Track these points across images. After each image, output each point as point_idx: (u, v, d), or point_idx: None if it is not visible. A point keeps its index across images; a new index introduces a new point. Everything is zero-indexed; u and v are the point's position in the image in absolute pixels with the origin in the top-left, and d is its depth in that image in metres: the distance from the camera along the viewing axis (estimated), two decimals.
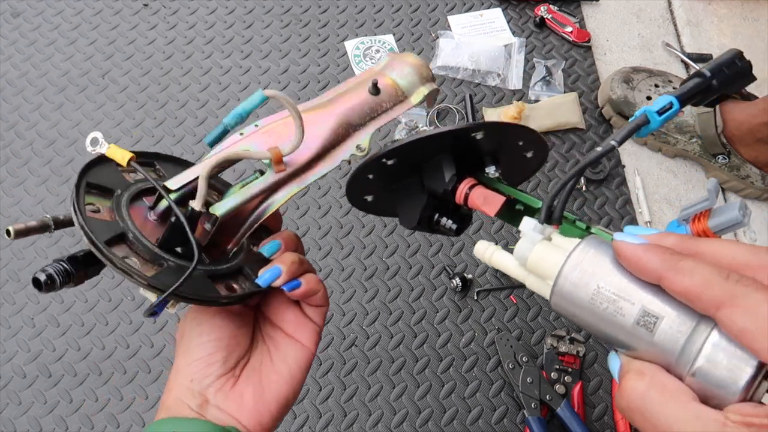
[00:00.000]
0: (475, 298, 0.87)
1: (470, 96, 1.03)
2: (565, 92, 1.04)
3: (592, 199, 0.96)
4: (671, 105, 0.41)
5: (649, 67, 1.03)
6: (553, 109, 1.00)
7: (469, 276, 0.87)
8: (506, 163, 0.47)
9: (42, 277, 0.36)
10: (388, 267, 0.89)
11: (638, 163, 1.00)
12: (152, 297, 0.38)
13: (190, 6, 1.10)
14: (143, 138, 0.97)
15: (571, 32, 1.09)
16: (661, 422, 0.28)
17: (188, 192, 0.43)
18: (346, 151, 0.47)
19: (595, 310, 0.30)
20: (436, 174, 0.45)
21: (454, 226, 0.47)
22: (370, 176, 0.46)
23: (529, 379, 0.80)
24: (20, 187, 0.92)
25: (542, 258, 0.34)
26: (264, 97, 0.42)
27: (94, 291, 0.85)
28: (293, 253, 0.45)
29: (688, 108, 0.94)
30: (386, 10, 1.11)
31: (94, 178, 0.42)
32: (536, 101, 1.03)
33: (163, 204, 0.42)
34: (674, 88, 0.98)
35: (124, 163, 0.42)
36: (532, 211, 0.44)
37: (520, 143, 0.46)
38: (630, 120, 0.40)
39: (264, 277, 0.42)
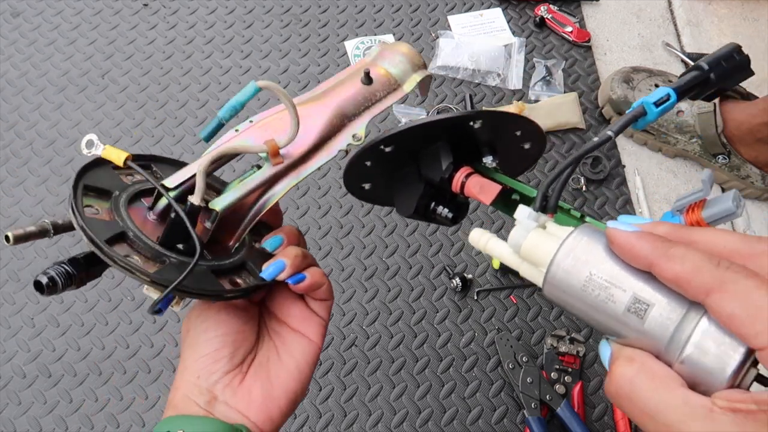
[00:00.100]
0: (475, 298, 0.87)
1: (470, 96, 1.02)
2: (565, 92, 1.04)
3: (592, 199, 0.96)
4: (668, 97, 0.41)
5: (649, 67, 1.03)
6: (553, 109, 1.00)
7: (469, 276, 0.87)
8: (504, 154, 0.47)
9: (44, 280, 0.36)
10: (388, 267, 0.89)
11: (638, 163, 1.00)
12: (155, 295, 0.38)
13: (190, 6, 1.10)
14: (143, 138, 0.97)
15: (571, 32, 1.09)
16: (650, 407, 0.28)
17: (186, 189, 0.43)
18: (342, 140, 0.47)
19: (587, 297, 0.31)
20: (433, 162, 0.45)
21: (450, 215, 0.47)
22: (368, 163, 0.46)
23: (529, 379, 0.80)
24: (20, 187, 0.92)
25: (536, 245, 0.34)
26: (257, 88, 0.42)
27: (94, 291, 0.85)
28: (296, 247, 0.45)
29: (688, 108, 0.95)
30: (386, 10, 1.11)
31: (91, 180, 0.42)
32: (536, 101, 1.03)
33: (162, 203, 0.42)
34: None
35: (120, 163, 0.41)
36: (528, 201, 0.44)
37: (518, 134, 0.46)
38: (627, 111, 0.41)
39: (268, 270, 0.42)
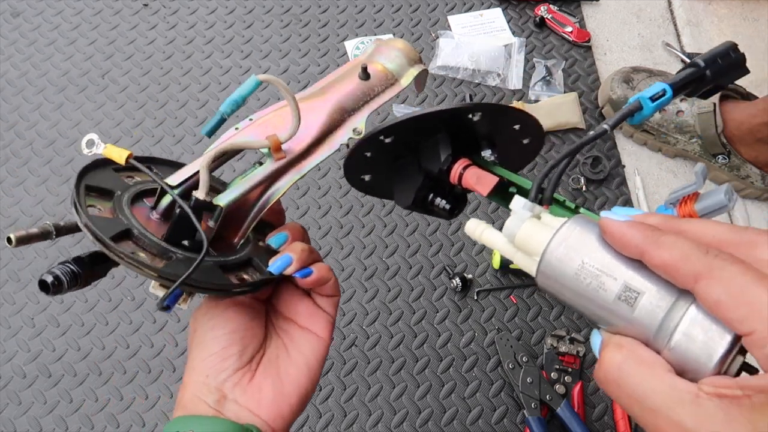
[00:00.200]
0: (475, 298, 0.87)
1: (470, 96, 1.03)
2: (565, 92, 1.04)
3: (592, 199, 0.96)
4: (664, 92, 0.41)
5: (649, 67, 1.03)
6: (553, 109, 1.00)
7: (469, 276, 0.87)
8: (503, 148, 0.47)
9: (49, 279, 0.36)
10: (388, 267, 0.89)
11: (638, 163, 1.00)
12: (161, 293, 0.38)
13: (190, 6, 1.10)
14: (143, 138, 0.97)
15: (571, 32, 1.09)
16: (637, 393, 0.28)
17: (189, 187, 0.43)
18: (343, 135, 0.47)
19: (579, 286, 0.31)
20: (432, 154, 0.45)
21: (448, 206, 0.47)
22: (368, 154, 0.46)
23: (529, 379, 0.80)
24: (20, 187, 0.92)
25: (530, 235, 0.34)
26: (258, 82, 0.43)
27: (94, 291, 0.85)
28: (302, 242, 0.45)
29: (688, 108, 0.95)
30: (386, 10, 1.11)
31: (93, 180, 0.42)
32: (536, 101, 1.03)
33: (165, 202, 0.42)
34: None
35: (122, 161, 0.41)
36: (525, 194, 0.44)
37: (517, 128, 0.46)
38: (624, 106, 0.41)
39: (276, 264, 0.42)
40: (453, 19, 1.11)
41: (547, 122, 1.00)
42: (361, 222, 0.92)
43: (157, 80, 1.02)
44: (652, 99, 0.41)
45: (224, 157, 0.44)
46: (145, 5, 1.09)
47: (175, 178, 0.43)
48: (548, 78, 1.05)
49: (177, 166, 0.48)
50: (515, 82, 1.05)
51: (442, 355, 0.83)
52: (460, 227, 0.92)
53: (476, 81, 1.05)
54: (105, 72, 1.03)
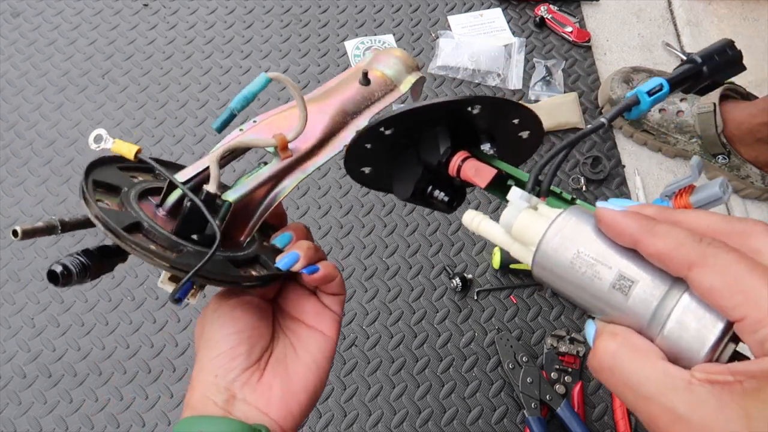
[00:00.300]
0: (475, 298, 0.87)
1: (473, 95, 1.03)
2: (565, 92, 1.04)
3: (592, 200, 0.96)
4: (661, 87, 0.41)
5: (649, 67, 1.03)
6: (553, 109, 1.01)
7: (469, 276, 0.87)
8: (502, 142, 0.48)
9: (58, 269, 0.36)
10: (388, 267, 0.89)
11: (638, 163, 1.00)
12: (170, 288, 0.38)
13: (190, 6, 1.10)
14: (143, 138, 0.97)
15: (571, 32, 1.09)
16: (631, 380, 0.28)
17: (197, 184, 0.43)
18: (346, 136, 0.49)
19: (574, 275, 0.31)
20: (431, 146, 0.45)
21: (446, 199, 0.47)
22: (368, 146, 0.46)
23: (529, 379, 0.80)
24: (20, 187, 0.92)
25: (526, 225, 0.34)
26: (268, 79, 0.43)
27: (94, 291, 0.85)
28: (307, 240, 0.46)
29: (688, 108, 0.95)
30: (386, 10, 1.11)
31: (99, 176, 0.42)
32: (536, 101, 1.03)
33: (173, 198, 0.42)
34: (681, 93, 0.98)
35: (131, 156, 0.42)
36: (523, 186, 0.44)
37: (516, 122, 0.46)
38: (615, 97, 0.41)
39: (283, 261, 0.43)
40: (453, 19, 1.11)
41: (547, 122, 1.00)
42: (361, 222, 0.92)
43: (157, 80, 1.02)
44: (650, 93, 0.41)
45: (232, 154, 0.45)
46: (145, 5, 1.09)
47: (184, 174, 0.43)
48: (548, 78, 1.05)
49: (177, 167, 0.49)
50: (515, 82, 1.05)
51: (442, 355, 0.83)
52: (460, 227, 0.92)
53: (476, 81, 1.05)
54: (105, 72, 1.03)
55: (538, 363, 0.82)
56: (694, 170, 0.39)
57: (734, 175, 0.96)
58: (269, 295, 0.47)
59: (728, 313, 0.26)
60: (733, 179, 0.96)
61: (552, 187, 0.41)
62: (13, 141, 0.96)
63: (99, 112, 0.99)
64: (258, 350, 0.43)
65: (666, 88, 0.42)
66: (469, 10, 1.13)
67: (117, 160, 0.44)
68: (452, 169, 0.44)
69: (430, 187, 0.48)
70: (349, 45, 1.07)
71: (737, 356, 0.29)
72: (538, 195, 0.39)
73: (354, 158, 0.48)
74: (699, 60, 0.45)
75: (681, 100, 0.95)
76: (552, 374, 0.81)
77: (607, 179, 0.97)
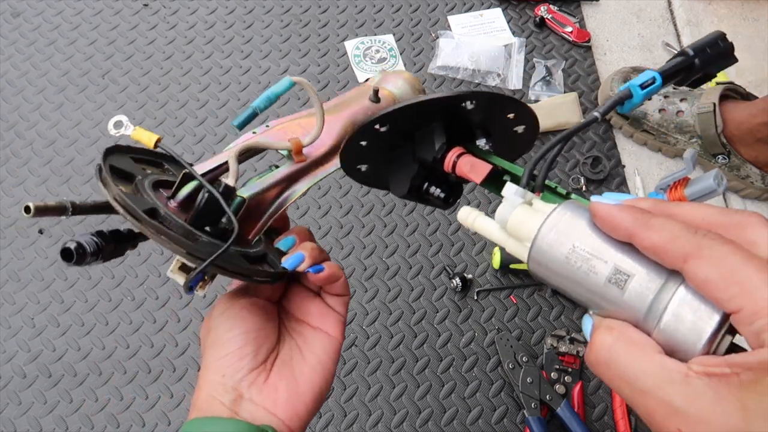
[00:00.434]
0: (475, 298, 0.87)
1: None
2: (565, 92, 1.04)
3: None
4: (654, 80, 0.41)
5: (649, 67, 1.03)
6: (553, 109, 1.00)
7: (469, 276, 0.87)
8: (497, 137, 0.48)
9: (72, 245, 0.36)
10: (388, 267, 0.89)
11: (638, 163, 1.00)
12: (181, 279, 0.39)
13: (190, 6, 1.10)
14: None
15: (571, 32, 1.09)
16: (628, 374, 0.28)
17: (212, 178, 0.44)
18: None
19: (570, 270, 0.31)
20: (426, 142, 0.45)
21: (442, 195, 0.48)
22: (363, 143, 0.46)
23: (529, 379, 0.80)
24: (20, 187, 0.92)
25: (521, 221, 0.34)
26: (292, 83, 0.45)
27: (94, 291, 0.85)
28: (311, 242, 0.46)
29: (688, 108, 0.95)
30: (386, 10, 1.11)
31: (115, 162, 0.42)
32: (536, 101, 1.03)
33: (186, 191, 0.43)
34: (674, 87, 0.98)
35: (151, 144, 0.42)
36: (518, 181, 0.44)
37: (511, 117, 0.46)
38: (613, 94, 0.41)
39: (289, 261, 0.43)
40: (453, 19, 1.11)
41: (547, 122, 1.00)
42: (361, 222, 0.92)
43: (157, 80, 1.02)
44: (642, 86, 0.41)
45: (248, 153, 0.46)
46: (145, 5, 1.09)
47: (200, 168, 0.44)
48: (548, 78, 1.05)
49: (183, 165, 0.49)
50: (515, 82, 1.05)
51: (442, 355, 0.83)
52: (460, 227, 0.92)
53: (476, 81, 1.05)
54: (105, 72, 1.03)
55: (538, 363, 0.82)
56: (688, 163, 0.40)
57: (734, 175, 0.96)
58: (274, 298, 0.48)
59: (724, 305, 0.26)
60: (733, 179, 0.96)
61: (547, 182, 0.41)
62: (13, 141, 0.96)
63: (99, 112, 0.99)
64: (264, 351, 0.44)
65: (659, 81, 0.42)
66: (469, 10, 1.13)
67: (131, 150, 0.45)
68: (448, 165, 0.45)
69: (426, 184, 0.48)
70: (349, 45, 1.07)
71: (734, 348, 0.28)
72: (533, 190, 0.39)
73: (350, 156, 0.48)
74: (691, 52, 0.45)
75: (681, 100, 0.95)
76: (552, 374, 0.81)
77: (607, 179, 0.97)
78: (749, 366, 0.25)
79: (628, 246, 0.30)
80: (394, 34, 1.09)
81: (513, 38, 1.09)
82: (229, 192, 0.42)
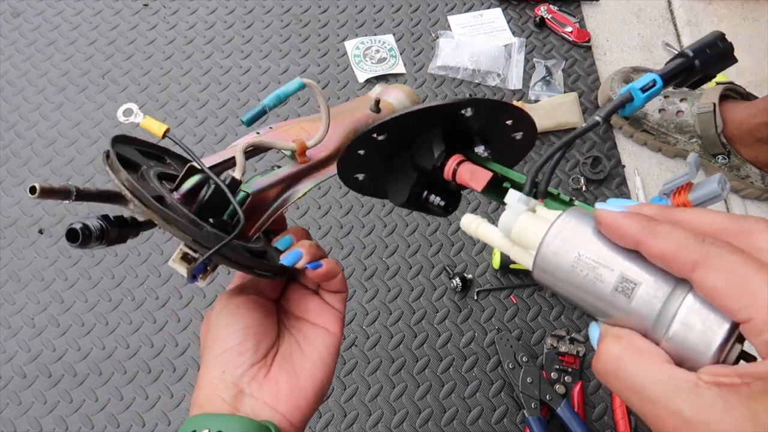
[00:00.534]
0: (475, 298, 0.87)
1: (470, 95, 1.03)
2: (565, 92, 1.04)
3: (592, 200, 0.96)
4: (654, 83, 0.41)
5: (649, 67, 1.03)
6: (553, 109, 1.00)
7: (469, 276, 0.87)
8: (496, 144, 0.47)
9: (78, 226, 0.36)
10: (388, 267, 0.89)
11: (638, 163, 1.00)
12: (182, 269, 0.39)
13: (190, 6, 1.10)
14: (143, 138, 0.97)
15: (571, 32, 1.09)
16: (636, 383, 0.28)
17: (217, 172, 0.44)
18: None
19: (576, 278, 0.31)
20: (425, 151, 0.45)
21: (442, 203, 0.48)
22: (361, 152, 0.46)
23: (529, 379, 0.80)
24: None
25: (526, 228, 0.34)
26: (302, 84, 0.46)
27: (94, 291, 0.85)
28: (308, 240, 0.47)
29: (687, 108, 0.95)
30: (386, 10, 1.11)
31: (122, 151, 0.42)
32: (536, 101, 1.03)
33: (189, 183, 0.43)
34: (674, 87, 0.98)
35: (160, 134, 0.43)
36: (519, 188, 0.44)
37: (509, 122, 0.46)
38: (615, 98, 0.41)
39: (288, 257, 0.44)
40: (453, 19, 1.11)
41: (547, 122, 1.00)
42: (361, 222, 0.92)
43: (157, 80, 1.02)
44: (643, 89, 0.41)
45: (253, 150, 0.46)
46: (145, 5, 1.09)
47: (207, 162, 0.44)
48: (548, 78, 1.05)
49: (186, 161, 0.49)
50: (515, 82, 1.05)
51: (442, 355, 0.83)
52: (460, 227, 0.92)
53: (476, 81, 1.05)
54: (105, 72, 1.03)
55: (538, 363, 0.82)
56: (691, 167, 0.39)
57: (734, 175, 0.96)
58: (273, 296, 0.48)
59: (734, 314, 0.26)
60: (733, 179, 0.96)
61: (550, 189, 0.41)
62: (13, 141, 0.96)
63: (99, 112, 0.99)
64: (265, 346, 0.44)
65: (659, 83, 0.41)
66: (469, 10, 1.13)
67: (137, 142, 0.45)
68: (447, 173, 0.44)
69: (425, 192, 0.48)
70: (349, 45, 1.07)
71: (744, 356, 0.28)
72: (535, 197, 0.39)
73: (348, 165, 0.48)
74: (691, 54, 0.45)
75: (681, 100, 0.95)
76: (552, 374, 0.81)
77: (607, 179, 0.97)
78: (759, 376, 0.25)
79: (634, 253, 0.30)
80: (394, 34, 1.09)
81: (513, 38, 1.09)
82: (235, 185, 0.42)
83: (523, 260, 0.35)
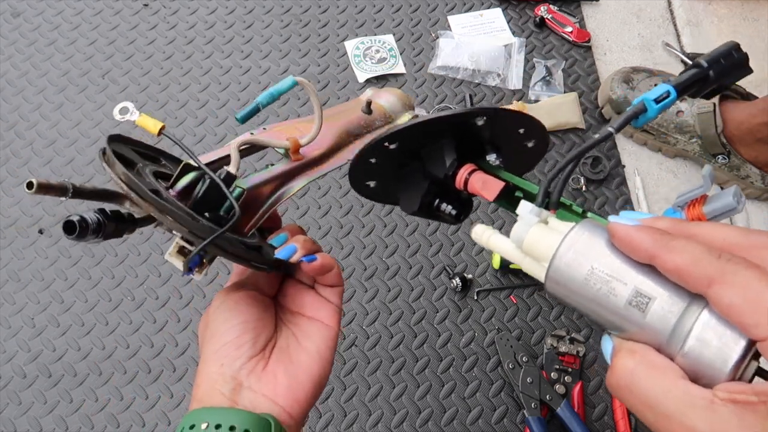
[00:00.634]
0: (475, 298, 0.87)
1: (470, 96, 1.02)
2: (565, 92, 1.04)
3: (592, 199, 0.96)
4: (668, 94, 0.41)
5: (649, 67, 1.03)
6: (553, 109, 1.00)
7: (469, 276, 0.87)
8: (507, 152, 0.48)
9: (75, 219, 0.36)
10: (388, 267, 0.89)
11: (638, 163, 1.00)
12: (179, 263, 0.39)
13: (190, 6, 1.10)
14: (143, 138, 0.97)
15: (571, 32, 1.09)
16: (650, 398, 0.28)
17: (213, 169, 0.44)
18: (350, 152, 0.52)
19: (589, 291, 0.31)
20: (437, 159, 0.45)
21: (454, 212, 0.48)
22: (373, 160, 0.47)
23: (529, 379, 0.80)
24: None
25: (538, 240, 0.34)
26: (294, 82, 0.46)
27: (94, 291, 0.85)
28: (302, 236, 0.47)
29: (688, 108, 0.95)
30: (386, 10, 1.11)
31: (118, 149, 0.43)
32: (536, 101, 1.03)
33: (185, 181, 0.43)
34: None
35: (156, 131, 0.43)
36: (531, 198, 0.44)
37: (521, 131, 0.46)
38: (628, 109, 0.41)
39: (283, 251, 0.44)
40: (453, 19, 1.11)
41: (547, 122, 1.00)
42: (361, 222, 0.92)
43: (157, 80, 1.02)
44: (657, 101, 0.41)
45: (248, 149, 0.47)
46: (146, 5, 1.09)
47: (202, 159, 0.45)
48: (548, 78, 1.05)
49: (179, 161, 0.49)
50: (515, 82, 1.05)
51: (442, 355, 0.83)
52: (460, 227, 0.92)
53: (476, 81, 1.05)
54: (105, 72, 1.03)
55: (538, 363, 0.82)
56: (706, 180, 0.39)
57: (734, 175, 0.96)
58: (271, 293, 0.48)
59: (750, 331, 0.26)
60: (733, 179, 0.96)
61: (562, 199, 0.41)
62: (13, 141, 0.96)
63: (99, 112, 0.99)
64: (262, 340, 0.44)
65: (673, 94, 0.41)
66: (469, 10, 1.13)
67: (133, 143, 0.45)
68: (459, 182, 0.44)
69: (436, 201, 0.48)
70: (349, 45, 1.07)
71: (761, 373, 0.28)
72: (547, 207, 0.39)
73: (359, 173, 0.49)
74: (705, 64, 0.45)
75: (681, 100, 0.95)
76: (552, 374, 0.81)
77: (607, 179, 0.97)
78: None
79: (648, 267, 0.29)
80: (394, 34, 1.09)
81: (513, 38, 1.09)
82: (230, 179, 0.42)
83: (535, 272, 0.35)
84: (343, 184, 0.94)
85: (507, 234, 0.37)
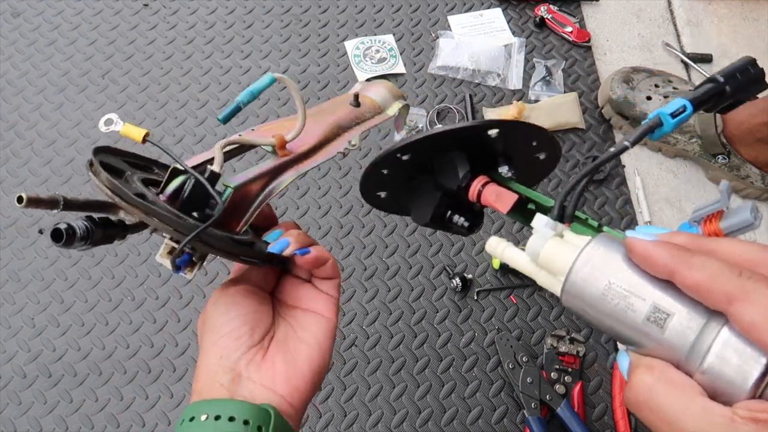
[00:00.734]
0: (475, 298, 0.87)
1: (470, 96, 1.03)
2: (565, 92, 1.04)
3: (592, 199, 0.96)
4: (684, 108, 0.41)
5: (649, 67, 1.03)
6: (553, 109, 1.00)
7: (469, 276, 0.87)
8: (518, 164, 0.47)
9: (63, 226, 0.37)
10: (388, 267, 0.89)
11: (638, 163, 1.00)
12: (168, 261, 0.39)
13: (190, 6, 1.10)
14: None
15: (571, 32, 1.09)
16: (669, 415, 0.28)
17: (200, 171, 0.45)
18: (339, 145, 0.53)
19: (606, 306, 0.31)
20: (450, 171, 0.45)
21: (467, 224, 0.48)
22: (385, 171, 0.47)
23: (529, 379, 0.80)
24: (20, 187, 0.92)
25: (554, 254, 0.34)
26: (273, 79, 0.46)
27: (94, 291, 0.85)
28: (297, 230, 0.47)
29: None
30: (386, 10, 1.11)
31: (105, 159, 0.43)
32: (536, 101, 1.03)
33: (174, 185, 0.43)
34: (674, 88, 0.98)
35: (140, 139, 0.43)
36: (544, 210, 0.44)
37: (534, 143, 0.46)
38: (643, 122, 0.41)
39: (276, 245, 0.44)
40: (453, 19, 1.11)
41: (547, 122, 1.00)
42: (361, 222, 0.92)
43: (157, 80, 1.02)
44: (673, 115, 0.41)
45: (234, 147, 0.47)
46: (146, 5, 1.09)
47: (188, 163, 0.45)
48: (548, 78, 1.05)
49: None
50: (515, 82, 1.05)
51: (442, 355, 0.83)
52: None
53: (476, 81, 1.05)
54: (105, 72, 1.03)
55: (538, 363, 0.82)
56: (723, 195, 0.39)
57: (734, 175, 0.96)
58: (268, 288, 0.49)
59: None
60: (733, 179, 0.96)
61: (577, 212, 0.41)
62: (13, 141, 0.96)
63: (99, 112, 0.99)
64: (260, 331, 0.44)
65: (689, 109, 0.41)
66: (469, 10, 1.13)
67: (121, 153, 0.45)
68: (472, 194, 0.44)
69: (449, 213, 0.48)
70: (349, 45, 1.07)
71: None
72: (561, 220, 0.39)
73: (370, 183, 0.49)
74: (721, 79, 0.44)
75: None
76: (552, 374, 0.81)
77: (607, 179, 0.97)
78: None
79: (666, 283, 0.29)
80: (394, 34, 1.09)
81: (513, 38, 1.09)
82: (214, 178, 0.43)
83: (551, 285, 0.35)
84: (343, 184, 0.94)
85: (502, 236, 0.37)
